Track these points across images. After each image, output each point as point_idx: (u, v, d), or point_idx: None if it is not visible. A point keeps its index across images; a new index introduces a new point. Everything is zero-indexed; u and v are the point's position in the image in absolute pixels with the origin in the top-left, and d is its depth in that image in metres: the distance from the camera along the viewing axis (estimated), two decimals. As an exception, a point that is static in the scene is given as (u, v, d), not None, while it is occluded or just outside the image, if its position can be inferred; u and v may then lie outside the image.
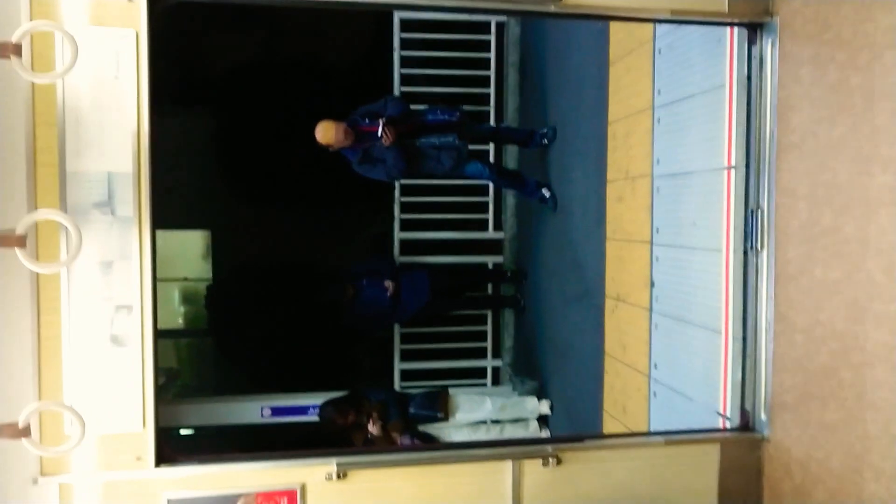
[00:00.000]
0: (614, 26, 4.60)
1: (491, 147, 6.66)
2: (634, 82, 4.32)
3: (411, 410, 5.54)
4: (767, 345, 3.00)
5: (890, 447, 2.41)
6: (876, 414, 2.47)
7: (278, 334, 7.58)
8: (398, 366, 6.74)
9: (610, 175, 4.64)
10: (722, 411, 3.31)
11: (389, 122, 4.89)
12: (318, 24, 7.27)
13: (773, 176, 2.97)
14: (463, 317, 6.92)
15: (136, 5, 2.54)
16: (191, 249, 8.69)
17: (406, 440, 5.37)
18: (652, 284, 4.07)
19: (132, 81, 2.55)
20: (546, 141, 5.72)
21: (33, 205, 2.48)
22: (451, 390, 5.87)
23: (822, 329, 2.71)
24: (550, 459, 2.85)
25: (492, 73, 6.77)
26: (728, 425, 3.21)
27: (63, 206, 2.50)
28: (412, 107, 5.36)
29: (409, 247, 6.75)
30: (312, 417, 6.01)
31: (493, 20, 6.69)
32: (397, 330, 6.71)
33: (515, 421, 5.84)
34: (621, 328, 4.49)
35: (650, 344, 4.09)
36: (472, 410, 5.70)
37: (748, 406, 3.10)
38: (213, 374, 8.75)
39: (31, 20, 2.42)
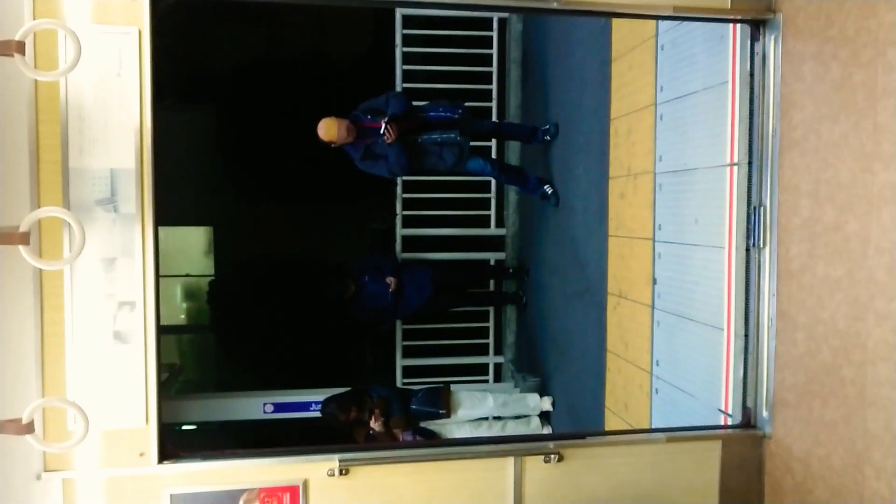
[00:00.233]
0: (616, 23, 4.59)
1: (493, 143, 6.66)
2: (637, 79, 4.31)
3: (413, 407, 5.56)
4: (769, 342, 3.00)
5: (891, 445, 2.41)
6: (877, 412, 2.47)
7: (280, 330, 7.61)
8: (400, 362, 6.75)
9: (612, 172, 4.64)
10: (724, 408, 3.32)
11: (392, 120, 4.89)
12: (320, 21, 7.28)
13: (775, 173, 2.97)
14: (465, 313, 6.92)
15: (138, 3, 2.54)
16: (193, 246, 8.71)
17: (408, 437, 5.39)
18: (654, 281, 4.07)
19: (135, 79, 2.56)
20: (548, 137, 5.71)
21: (36, 202, 2.49)
22: (452, 387, 5.88)
23: (823, 327, 2.71)
24: (552, 456, 2.86)
25: (494, 69, 6.76)
26: (730, 422, 3.21)
27: (66, 203, 2.51)
28: (414, 103, 5.36)
29: (411, 243, 6.76)
30: (314, 414, 6.02)
31: (496, 16, 6.68)
32: (399, 326, 6.72)
33: (517, 418, 5.85)
34: (623, 325, 4.49)
35: (652, 341, 4.09)
36: (474, 407, 5.72)
37: (750, 403, 3.10)
38: (215, 370, 8.79)
39: (34, 18, 2.42)
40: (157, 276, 2.63)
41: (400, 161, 5.06)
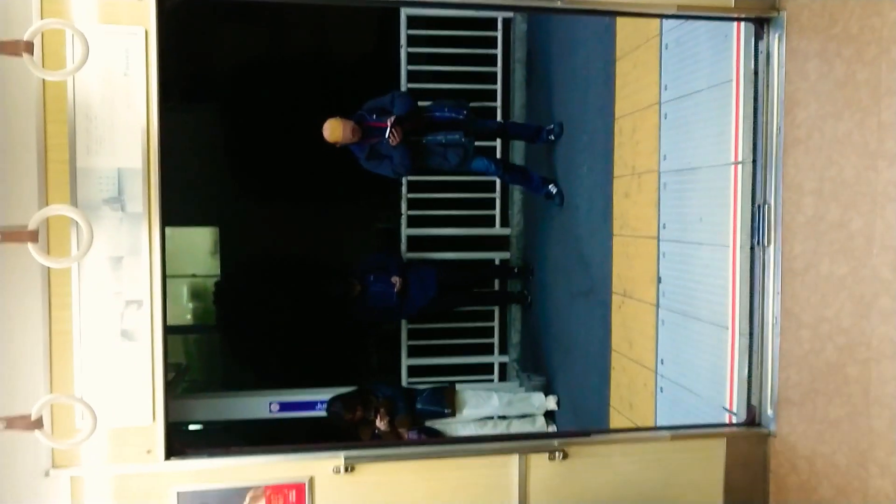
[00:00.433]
0: (621, 21, 4.59)
1: (498, 143, 6.67)
2: (641, 78, 4.32)
3: (418, 406, 5.57)
4: (774, 340, 3.00)
5: (896, 442, 2.42)
6: (882, 410, 2.47)
7: (286, 330, 7.62)
8: (405, 362, 6.77)
9: (616, 171, 4.65)
10: (728, 407, 3.32)
11: (397, 121, 4.90)
12: (325, 22, 7.30)
13: (779, 171, 2.97)
14: (470, 313, 6.94)
15: (145, 3, 2.56)
16: (199, 246, 8.74)
17: (413, 436, 5.40)
18: (658, 280, 4.07)
19: (142, 78, 2.57)
20: (553, 137, 5.72)
21: (44, 201, 2.51)
22: (457, 386, 5.89)
23: (828, 325, 2.71)
24: (557, 454, 2.86)
25: (498, 69, 6.78)
26: (734, 420, 3.22)
27: (74, 201, 2.53)
28: (419, 103, 5.37)
29: (416, 243, 6.77)
30: (320, 413, 6.04)
31: (500, 16, 6.70)
32: (404, 326, 6.73)
33: (522, 417, 5.86)
34: (628, 324, 4.49)
35: (657, 340, 4.09)
36: (479, 406, 5.73)
37: (754, 401, 3.10)
38: (221, 370, 8.80)
39: (41, 18, 2.44)
40: (164, 274, 2.65)
41: (404, 162, 5.07)
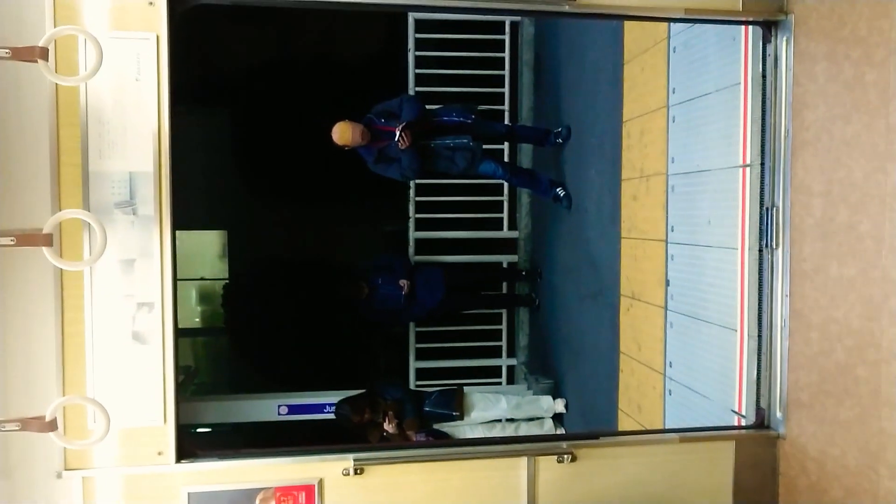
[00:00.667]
0: (629, 25, 4.60)
1: (505, 146, 6.68)
2: (649, 81, 4.32)
3: (427, 409, 5.57)
4: (783, 342, 3.00)
5: (906, 444, 2.41)
6: (892, 411, 2.47)
7: (294, 333, 7.65)
8: (413, 364, 6.78)
9: (625, 174, 4.65)
10: (737, 409, 3.32)
11: (406, 126, 4.92)
12: (334, 26, 7.33)
13: (788, 174, 2.97)
14: (478, 316, 6.94)
15: (156, 9, 2.59)
16: (208, 249, 8.79)
17: (421, 438, 5.40)
18: (667, 283, 4.07)
19: (153, 83, 2.60)
20: (560, 140, 5.72)
21: (57, 205, 2.53)
22: (466, 389, 5.89)
23: (837, 326, 2.71)
24: (565, 456, 2.87)
25: (506, 72, 6.79)
26: (743, 423, 3.21)
27: (86, 205, 2.56)
28: (427, 107, 5.39)
29: (423, 246, 6.78)
30: (328, 415, 6.05)
31: (508, 20, 6.70)
32: (412, 329, 6.74)
33: (530, 419, 5.85)
34: (636, 326, 4.49)
35: (665, 342, 4.09)
36: (487, 409, 5.73)
37: (763, 404, 3.10)
38: (229, 373, 8.84)
39: (55, 26, 2.47)
40: (175, 277, 2.67)
41: (413, 165, 5.09)
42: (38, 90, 2.48)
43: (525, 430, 5.74)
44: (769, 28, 3.03)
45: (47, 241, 2.18)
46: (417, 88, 6.61)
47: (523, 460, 2.87)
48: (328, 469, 2.78)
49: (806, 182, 2.87)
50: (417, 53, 6.64)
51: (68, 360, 2.58)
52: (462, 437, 5.61)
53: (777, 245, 3.03)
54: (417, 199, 6.72)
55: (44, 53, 2.15)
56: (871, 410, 2.55)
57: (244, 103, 7.61)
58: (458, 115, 5.27)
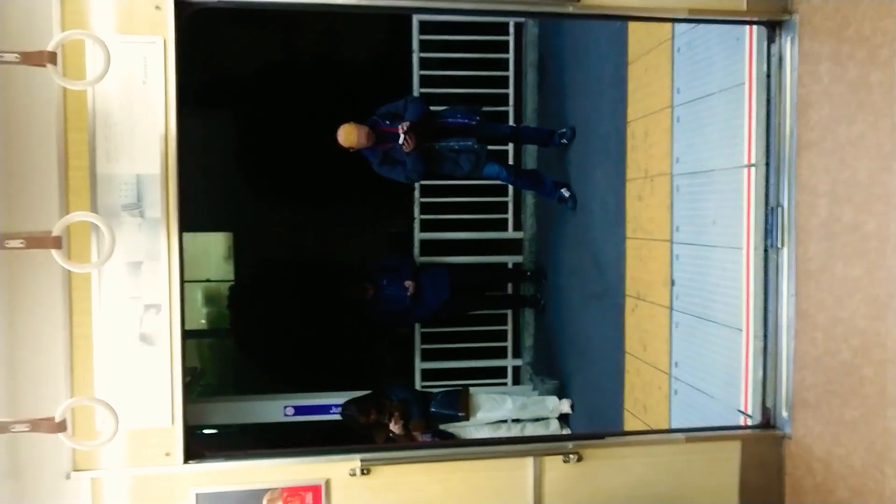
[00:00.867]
0: (633, 25, 4.60)
1: (510, 147, 6.68)
2: (653, 81, 4.32)
3: (432, 409, 5.58)
4: (788, 342, 3.00)
5: (912, 444, 2.41)
6: (898, 411, 2.47)
7: (300, 334, 7.66)
8: (419, 365, 6.79)
9: (629, 174, 4.65)
10: (743, 409, 3.31)
11: (410, 127, 4.94)
12: (339, 28, 7.35)
13: (793, 173, 2.97)
14: (483, 316, 6.95)
15: (163, 13, 2.60)
16: (213, 251, 8.82)
17: (427, 439, 5.41)
18: (672, 283, 4.07)
19: (160, 86, 2.62)
20: (565, 141, 5.73)
21: (65, 208, 2.55)
22: (471, 389, 5.90)
23: (843, 326, 2.71)
24: (571, 456, 2.87)
25: (510, 73, 6.80)
26: (749, 423, 3.21)
27: (94, 208, 2.57)
28: (432, 108, 5.40)
29: (429, 247, 6.80)
30: (335, 416, 6.07)
31: (512, 21, 6.71)
32: (418, 329, 6.75)
33: (536, 420, 5.85)
34: (642, 326, 4.49)
35: (671, 342, 4.09)
36: (493, 409, 5.73)
37: (769, 403, 3.10)
38: (235, 374, 8.86)
39: (62, 30, 2.49)
40: (182, 279, 2.69)
41: (417, 167, 5.11)
42: (47, 94, 2.50)
43: (531, 430, 5.74)
44: (773, 28, 3.03)
45: (56, 243, 2.20)
46: (422, 90, 6.63)
47: (529, 460, 2.88)
48: (335, 469, 2.79)
49: (811, 182, 2.87)
50: (422, 55, 6.65)
51: (76, 361, 2.60)
52: (468, 437, 5.62)
53: (782, 245, 3.03)
54: (422, 200, 6.73)
55: (52, 58, 2.17)
56: (877, 410, 2.55)
57: (249, 106, 7.64)
58: (463, 117, 5.28)
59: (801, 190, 2.93)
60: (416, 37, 6.63)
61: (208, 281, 8.82)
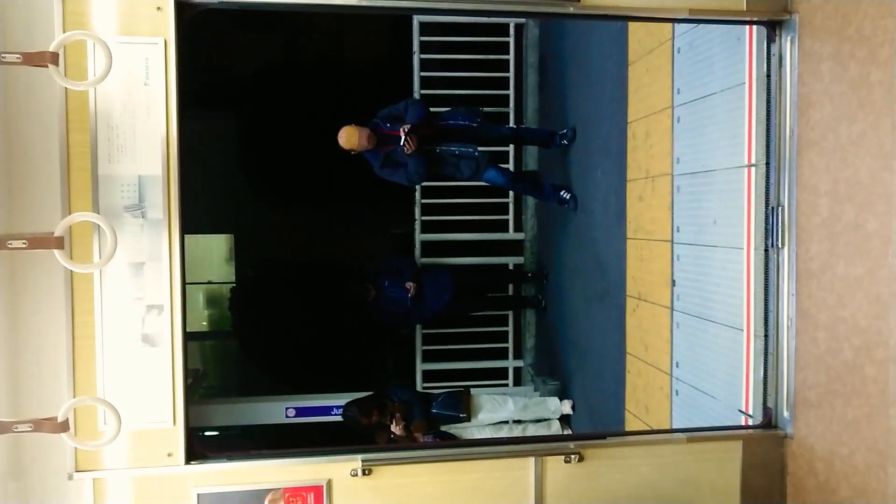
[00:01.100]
0: (633, 26, 4.61)
1: (511, 148, 6.69)
2: (654, 81, 4.33)
3: (434, 410, 5.59)
4: (790, 342, 3.00)
5: (914, 443, 2.41)
6: (900, 410, 2.47)
7: (301, 336, 7.67)
8: (420, 367, 6.79)
9: (630, 174, 4.66)
10: (744, 409, 3.31)
11: (411, 129, 4.94)
12: (340, 30, 7.37)
13: (793, 173, 2.97)
14: (484, 317, 6.95)
15: (164, 14, 2.61)
16: (215, 252, 8.83)
17: (428, 440, 5.41)
18: (673, 283, 4.08)
19: (161, 87, 2.62)
20: (566, 141, 5.73)
21: (68, 208, 2.56)
22: (473, 391, 5.90)
23: (844, 325, 2.71)
24: (573, 456, 2.87)
25: (511, 74, 6.81)
26: (751, 423, 3.21)
27: (96, 209, 2.58)
28: (433, 109, 5.41)
29: (430, 248, 6.80)
30: (336, 418, 6.07)
31: (512, 22, 6.72)
32: (419, 331, 6.75)
33: (538, 421, 5.85)
34: (643, 327, 4.49)
35: (672, 342, 4.09)
36: (495, 410, 5.73)
37: (771, 403, 3.09)
38: (237, 376, 8.87)
39: (64, 31, 2.49)
40: (184, 279, 2.69)
41: (419, 170, 5.12)
42: (49, 95, 2.51)
43: (532, 431, 5.75)
44: (774, 28, 3.03)
45: (59, 243, 2.21)
46: (422, 91, 6.64)
47: (531, 461, 2.88)
48: (336, 470, 2.79)
49: (812, 181, 2.87)
50: (422, 56, 6.66)
51: (79, 362, 2.60)
52: (469, 438, 5.62)
53: (783, 244, 3.03)
54: (423, 201, 6.74)
55: (54, 58, 2.17)
56: (879, 409, 2.55)
57: (251, 107, 7.65)
58: (464, 119, 5.30)
59: (802, 189, 2.93)
60: (416, 38, 6.64)
61: (210, 283, 8.83)
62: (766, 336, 3.13)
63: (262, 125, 7.63)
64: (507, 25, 6.76)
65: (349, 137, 4.93)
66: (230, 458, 2.77)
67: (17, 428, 2.17)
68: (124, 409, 2.52)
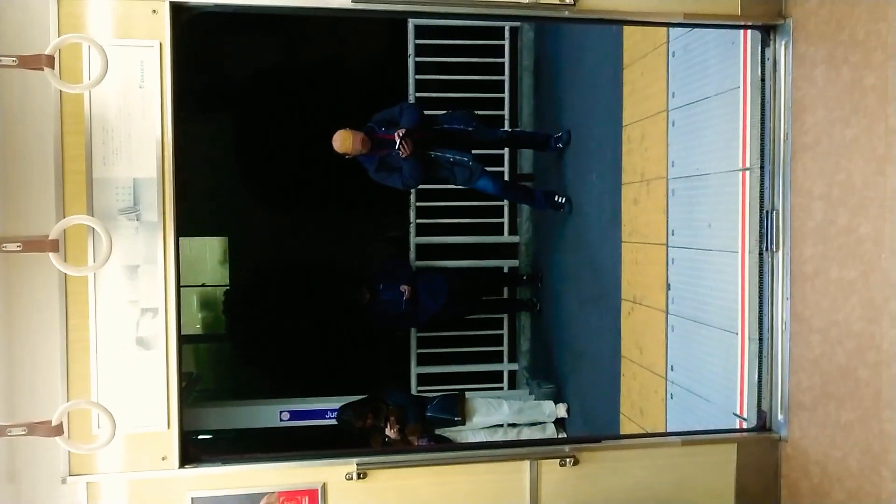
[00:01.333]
0: (628, 29, 4.62)
1: (505, 152, 6.69)
2: (649, 85, 4.34)
3: (429, 414, 5.58)
4: (784, 345, 3.01)
5: (908, 446, 2.42)
6: (893, 413, 2.47)
7: (296, 339, 7.66)
8: (415, 370, 6.78)
9: (625, 178, 4.67)
10: (739, 412, 3.32)
11: (406, 133, 4.94)
12: (335, 33, 7.37)
13: (788, 177, 2.99)
14: (479, 321, 6.95)
15: (160, 17, 2.61)
16: (209, 255, 8.81)
17: (423, 443, 5.41)
18: (668, 286, 4.08)
19: (156, 90, 2.62)
20: (561, 145, 5.74)
21: (62, 211, 2.55)
22: (468, 394, 5.90)
23: (838, 329, 2.72)
24: (568, 460, 2.87)
25: (506, 77, 6.82)
26: (745, 426, 3.22)
27: (90, 211, 2.57)
28: (428, 112, 5.41)
29: (425, 251, 6.80)
30: (330, 421, 6.06)
31: (507, 25, 6.74)
32: (414, 334, 6.75)
33: (532, 424, 5.86)
34: (638, 330, 4.50)
35: (667, 346, 4.10)
36: (490, 414, 5.73)
37: (765, 406, 3.10)
38: (231, 379, 8.85)
39: (60, 34, 2.49)
40: (179, 283, 2.69)
41: (414, 174, 5.12)
42: (44, 97, 2.50)
43: (527, 435, 5.75)
44: (768, 32, 3.05)
45: (53, 246, 2.20)
46: (417, 94, 6.64)
47: (526, 464, 2.88)
48: (331, 473, 2.78)
49: (806, 185, 2.89)
50: (417, 59, 6.66)
51: (73, 365, 2.59)
52: (464, 442, 5.61)
53: (777, 248, 3.04)
54: (418, 204, 6.74)
55: (50, 61, 2.17)
56: (872, 413, 2.56)
57: (246, 110, 7.65)
58: (460, 122, 5.30)
59: (796, 193, 2.95)
60: (411, 41, 6.64)
61: (204, 285, 8.81)
62: (760, 339, 3.14)
63: (256, 128, 7.62)
64: (503, 28, 6.78)
65: (343, 141, 4.93)
66: (225, 462, 2.76)
67: (10, 431, 2.16)
68: (118, 413, 2.51)
